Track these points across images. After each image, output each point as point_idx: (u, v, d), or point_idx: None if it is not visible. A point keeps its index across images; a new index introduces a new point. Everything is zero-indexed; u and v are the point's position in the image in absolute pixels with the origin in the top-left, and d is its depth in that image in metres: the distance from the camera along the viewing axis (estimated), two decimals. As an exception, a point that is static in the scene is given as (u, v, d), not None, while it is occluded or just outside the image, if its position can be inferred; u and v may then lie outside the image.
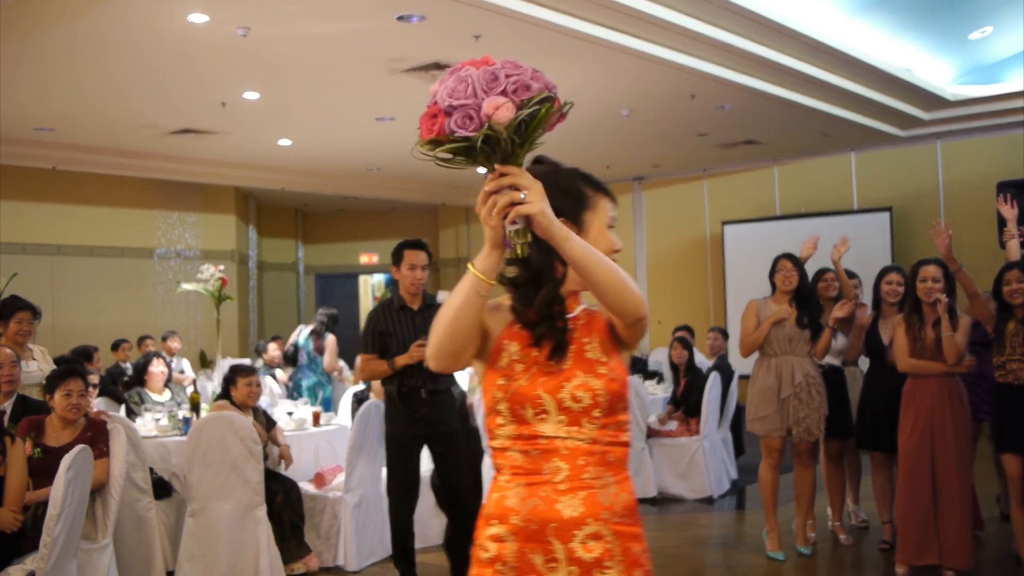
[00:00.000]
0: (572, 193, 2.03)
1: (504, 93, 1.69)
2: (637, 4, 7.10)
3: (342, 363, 9.83)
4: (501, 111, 1.68)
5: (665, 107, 9.97)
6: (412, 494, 5.30)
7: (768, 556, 5.85)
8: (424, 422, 5.19)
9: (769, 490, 5.86)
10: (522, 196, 1.73)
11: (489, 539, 1.97)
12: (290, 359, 9.24)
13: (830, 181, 13.03)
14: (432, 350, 1.93)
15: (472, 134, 1.69)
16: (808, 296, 5.82)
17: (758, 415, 5.78)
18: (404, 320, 5.26)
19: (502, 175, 1.75)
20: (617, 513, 1.95)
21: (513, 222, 1.76)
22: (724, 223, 13.55)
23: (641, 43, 7.73)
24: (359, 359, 5.44)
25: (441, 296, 5.23)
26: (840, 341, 6.03)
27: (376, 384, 7.27)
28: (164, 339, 10.78)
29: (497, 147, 1.72)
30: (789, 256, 5.84)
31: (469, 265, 1.84)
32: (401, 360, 5.13)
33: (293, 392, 9.04)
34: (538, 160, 2.07)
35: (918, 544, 5.13)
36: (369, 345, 5.30)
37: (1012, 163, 11.27)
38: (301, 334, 9.40)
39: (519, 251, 1.81)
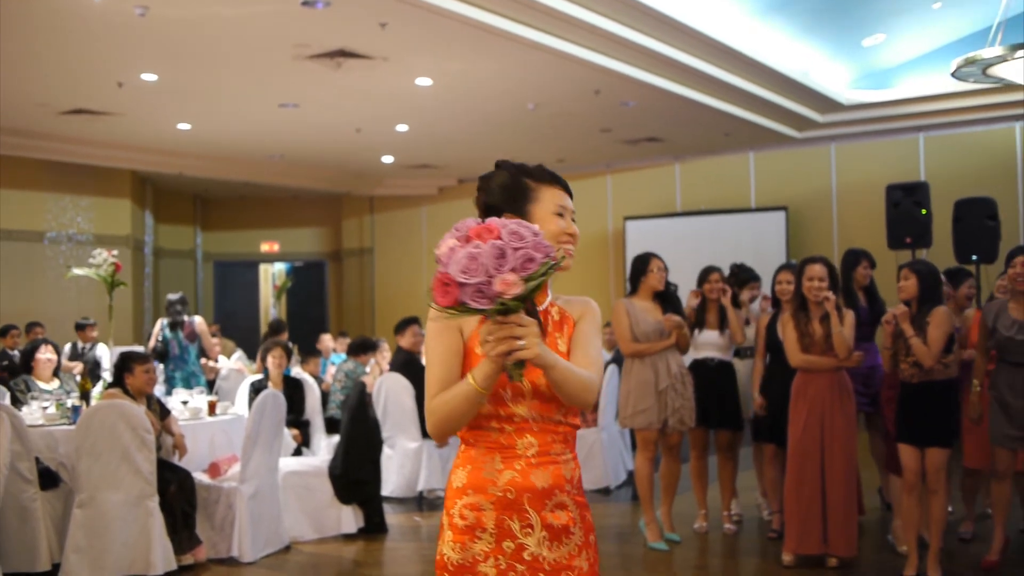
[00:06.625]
0: (512, 189, 2.24)
1: (513, 270, 1.83)
2: (543, -1, 7.15)
3: (216, 342, 9.92)
4: (511, 289, 1.82)
5: (570, 102, 10.06)
6: None
7: (649, 547, 5.98)
8: None
9: (646, 483, 6.00)
10: (520, 343, 1.89)
11: (466, 508, 2.14)
12: (161, 355, 8.99)
13: (729, 180, 13.33)
14: (436, 432, 2.14)
15: (486, 307, 1.84)
16: (672, 294, 6.00)
17: (638, 408, 5.88)
18: None
19: (503, 323, 1.89)
20: (575, 485, 2.20)
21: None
22: (626, 219, 13.73)
23: (547, 37, 7.79)
24: None
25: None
26: (724, 337, 6.23)
27: (274, 373, 7.19)
28: (81, 328, 10.06)
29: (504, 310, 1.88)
30: (659, 256, 6.01)
31: (470, 378, 2.02)
32: None
33: (168, 385, 8.72)
34: (497, 164, 2.30)
35: (804, 533, 5.31)
36: None
37: (902, 167, 11.71)
38: (164, 328, 9.16)
39: (515, 379, 1.99)
